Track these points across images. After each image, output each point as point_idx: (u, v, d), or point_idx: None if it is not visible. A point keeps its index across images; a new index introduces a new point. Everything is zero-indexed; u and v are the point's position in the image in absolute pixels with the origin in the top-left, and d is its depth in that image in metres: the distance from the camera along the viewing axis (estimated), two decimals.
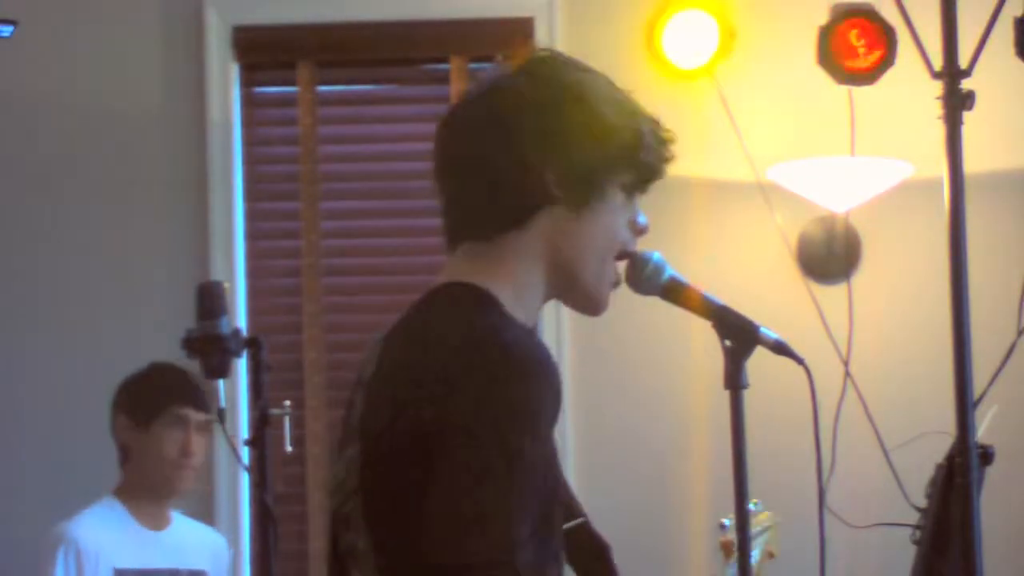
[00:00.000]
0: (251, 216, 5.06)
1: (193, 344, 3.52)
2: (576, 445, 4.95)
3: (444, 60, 5.05)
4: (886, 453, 4.72)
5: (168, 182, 5.01)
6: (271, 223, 5.13)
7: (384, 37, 5.08)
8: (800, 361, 2.28)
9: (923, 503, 3.30)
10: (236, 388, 4.63)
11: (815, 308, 4.89)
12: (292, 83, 5.06)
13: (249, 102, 5.10)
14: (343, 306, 5.08)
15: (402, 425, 1.99)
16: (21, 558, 4.22)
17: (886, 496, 4.51)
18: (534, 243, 2.12)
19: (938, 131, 3.20)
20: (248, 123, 5.08)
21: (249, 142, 5.08)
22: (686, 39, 4.91)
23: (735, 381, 2.28)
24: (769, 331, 2.29)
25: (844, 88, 4.71)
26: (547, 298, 2.17)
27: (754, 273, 4.95)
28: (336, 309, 5.06)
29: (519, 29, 5.02)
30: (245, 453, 3.61)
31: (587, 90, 2.13)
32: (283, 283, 5.09)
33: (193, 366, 3.63)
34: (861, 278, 4.99)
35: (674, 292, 2.27)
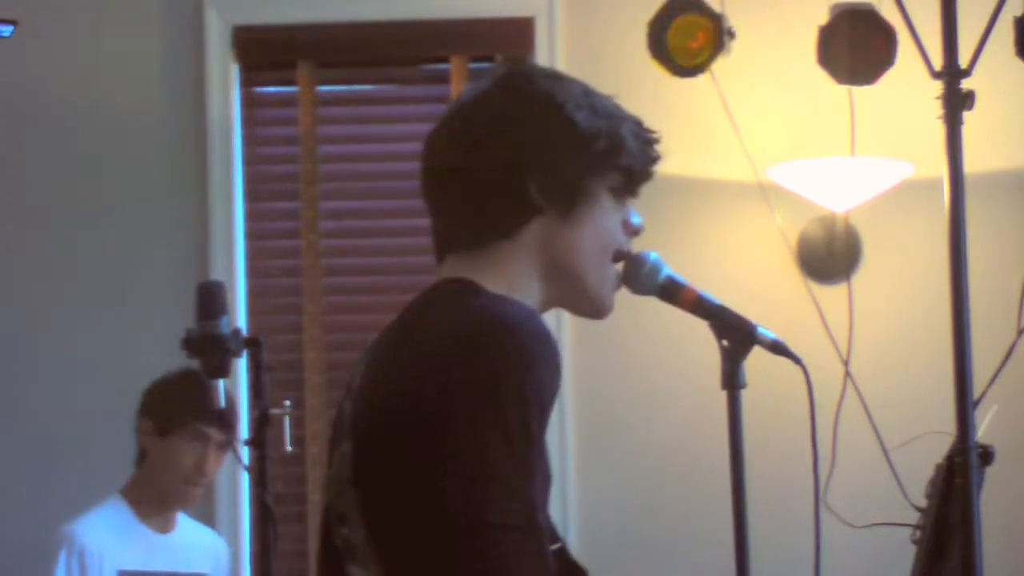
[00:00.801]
0: (251, 216, 5.06)
1: (193, 344, 3.51)
2: (576, 444, 4.95)
3: (444, 60, 5.06)
4: (886, 453, 4.72)
5: (168, 182, 5.01)
6: (271, 223, 5.13)
7: (384, 37, 5.08)
8: (798, 361, 2.29)
9: (923, 503, 3.30)
10: (236, 388, 4.62)
11: (815, 308, 4.89)
12: (292, 83, 5.07)
13: (249, 102, 5.10)
14: (343, 306, 5.08)
15: (398, 410, 1.99)
16: (21, 558, 4.22)
17: (886, 496, 4.51)
18: (525, 252, 2.13)
19: (938, 131, 3.20)
20: (248, 123, 5.08)
21: (249, 142, 5.08)
22: (686, 38, 4.90)
23: (732, 381, 2.28)
24: (767, 331, 2.29)
25: (844, 88, 4.71)
26: (546, 307, 2.17)
27: (754, 273, 4.96)
28: (336, 309, 5.06)
29: (519, 29, 5.02)
30: (245, 453, 3.61)
31: (559, 98, 2.14)
32: (283, 283, 5.09)
33: (227, 390, 3.60)
34: (861, 278, 4.99)
35: (671, 292, 2.28)
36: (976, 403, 3.17)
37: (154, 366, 4.09)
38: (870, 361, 4.91)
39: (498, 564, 1.90)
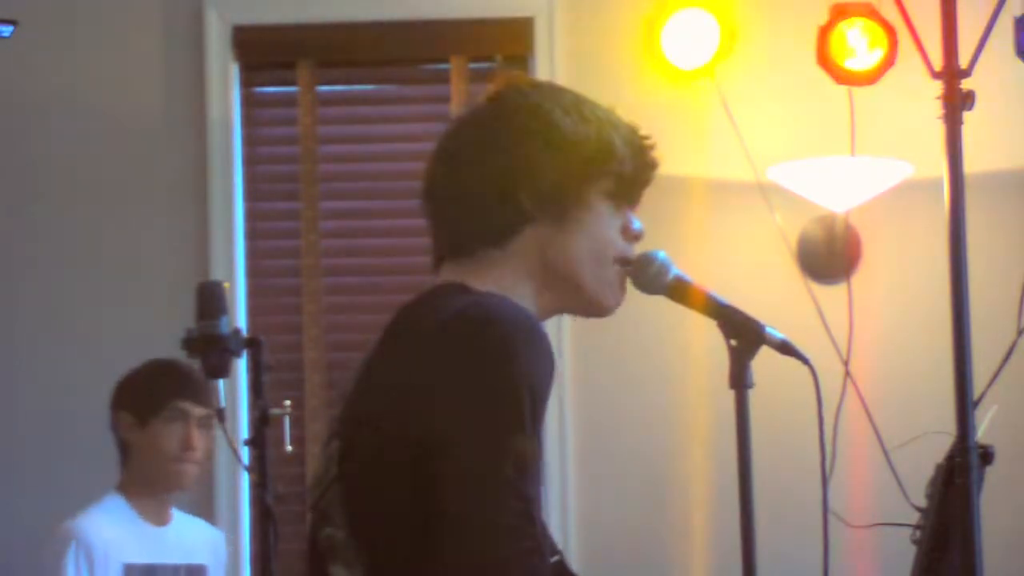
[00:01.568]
0: (251, 216, 5.06)
1: (193, 344, 3.52)
2: (576, 444, 4.95)
3: (444, 60, 5.05)
4: (886, 453, 4.72)
5: (168, 182, 5.01)
6: (271, 223, 5.13)
7: (384, 37, 5.08)
8: (806, 361, 2.28)
9: (923, 503, 3.30)
10: (236, 388, 4.62)
11: (815, 308, 4.89)
12: (292, 83, 5.07)
13: (249, 102, 5.10)
14: (343, 306, 5.08)
15: (387, 409, 2.00)
16: (21, 558, 4.22)
17: (886, 496, 4.51)
18: (518, 260, 2.16)
19: (938, 131, 3.20)
20: (248, 123, 5.08)
21: (249, 142, 5.08)
22: (686, 39, 4.90)
23: (740, 380, 2.27)
24: (775, 331, 2.29)
25: (844, 88, 4.71)
26: (547, 314, 2.18)
27: (754, 273, 4.95)
28: (336, 309, 5.06)
29: (519, 29, 5.02)
30: (245, 453, 3.61)
31: (546, 106, 2.17)
32: (283, 283, 5.09)
33: (192, 364, 3.62)
34: (861, 278, 4.99)
35: (679, 291, 2.28)
36: (976, 403, 3.17)
37: None
38: (870, 361, 4.91)
39: (497, 564, 1.90)
